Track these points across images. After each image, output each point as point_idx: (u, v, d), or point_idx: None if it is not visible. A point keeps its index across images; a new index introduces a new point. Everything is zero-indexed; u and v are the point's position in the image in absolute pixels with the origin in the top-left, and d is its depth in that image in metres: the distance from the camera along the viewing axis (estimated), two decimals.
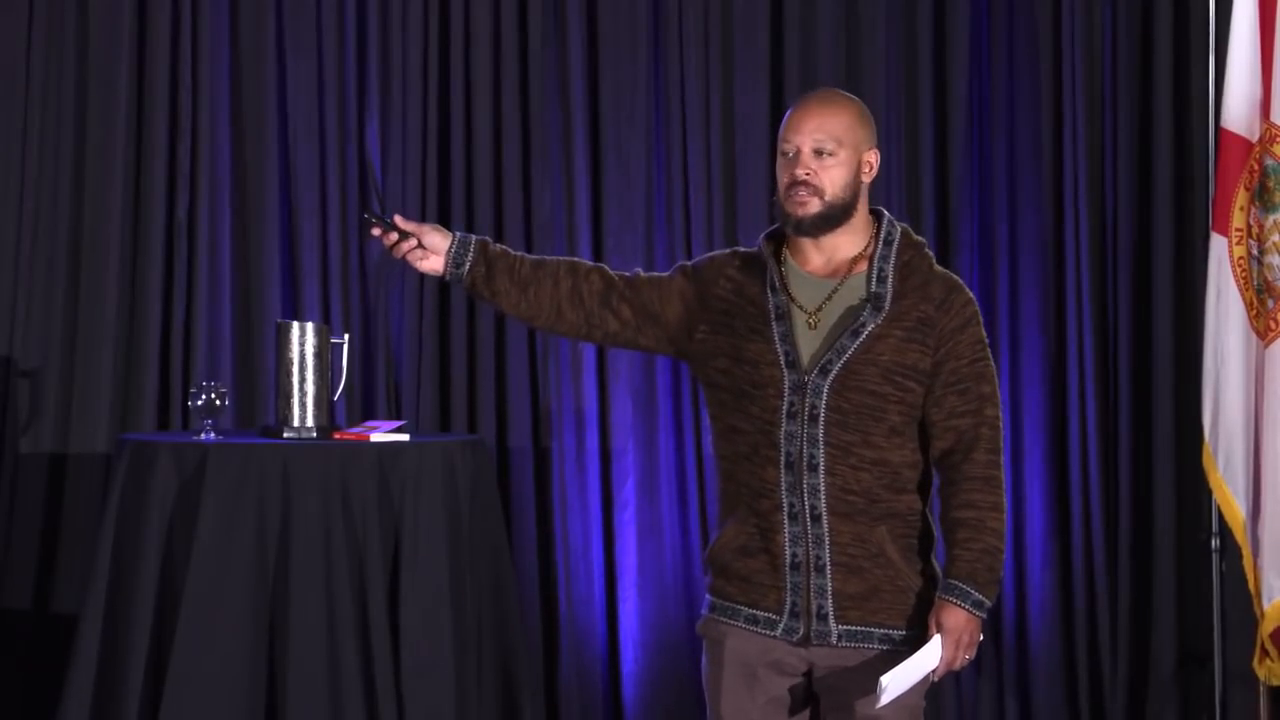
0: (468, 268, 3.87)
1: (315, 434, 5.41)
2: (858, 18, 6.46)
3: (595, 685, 6.26)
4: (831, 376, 3.76)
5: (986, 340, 3.85)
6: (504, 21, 6.31)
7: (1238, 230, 5.76)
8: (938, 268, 3.87)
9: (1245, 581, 5.81)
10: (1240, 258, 5.77)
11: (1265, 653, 5.73)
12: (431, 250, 3.87)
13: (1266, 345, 5.70)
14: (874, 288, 3.80)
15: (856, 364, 3.76)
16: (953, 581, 3.77)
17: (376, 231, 3.86)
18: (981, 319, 3.85)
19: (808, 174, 3.80)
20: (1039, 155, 6.47)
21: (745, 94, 6.39)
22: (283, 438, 5.37)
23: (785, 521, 3.79)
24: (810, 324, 3.81)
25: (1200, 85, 6.28)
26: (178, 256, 6.15)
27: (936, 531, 3.89)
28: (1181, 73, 6.43)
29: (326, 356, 5.49)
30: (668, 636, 6.28)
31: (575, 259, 3.96)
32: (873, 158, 3.86)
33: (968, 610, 3.76)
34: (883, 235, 3.85)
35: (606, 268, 3.95)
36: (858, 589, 3.79)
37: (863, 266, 3.84)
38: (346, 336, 5.69)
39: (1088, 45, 6.46)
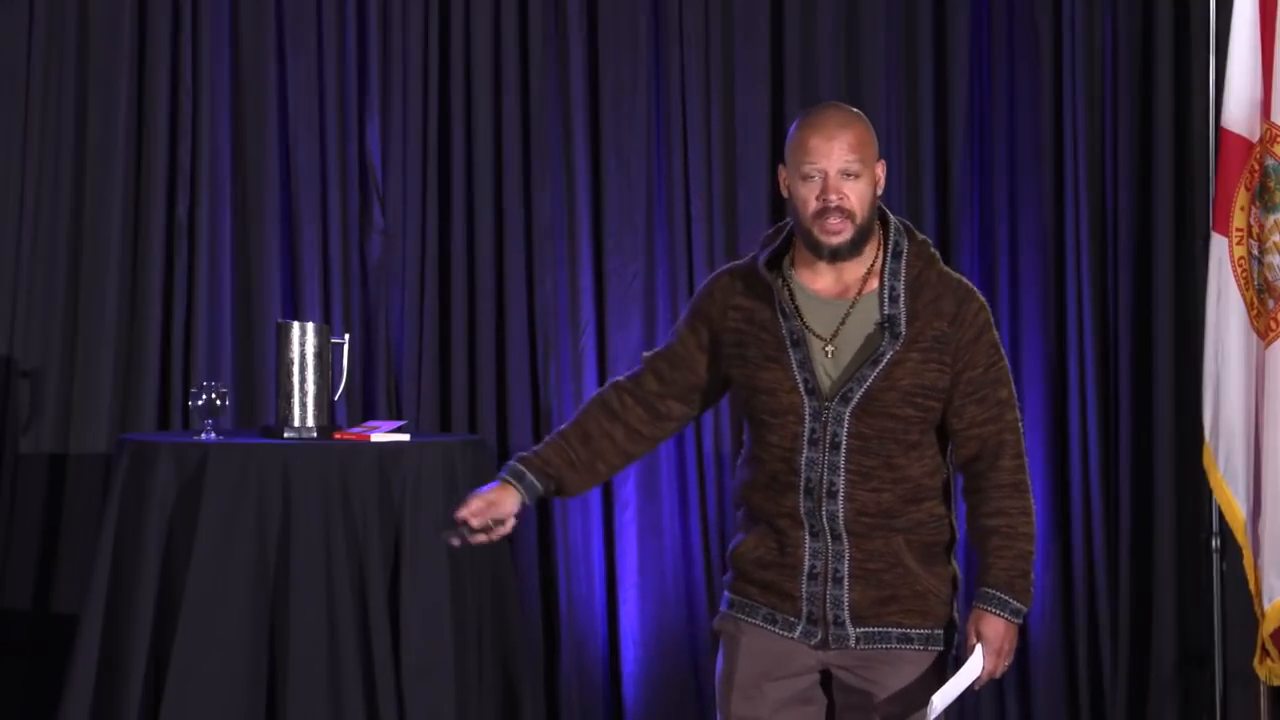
0: (542, 493, 3.87)
1: (315, 434, 5.41)
2: (858, 18, 6.46)
3: (595, 685, 6.26)
4: (853, 404, 3.73)
5: (999, 342, 3.82)
6: (504, 21, 6.31)
7: (1238, 230, 5.76)
8: (945, 272, 3.82)
9: (1245, 581, 5.80)
10: (1241, 258, 5.76)
11: (1265, 653, 5.73)
12: (509, 514, 3.84)
13: (1267, 345, 5.70)
14: (887, 310, 3.75)
15: (877, 391, 3.73)
16: (990, 590, 3.77)
17: (456, 542, 3.85)
18: (993, 321, 3.82)
19: (841, 199, 3.74)
20: (1039, 155, 6.46)
21: (745, 94, 6.39)
22: (283, 438, 5.37)
23: (806, 538, 3.79)
24: (827, 351, 3.77)
25: (1200, 85, 6.28)
26: (178, 256, 6.15)
27: (960, 532, 3.88)
28: (1181, 73, 6.42)
29: (327, 356, 5.49)
30: (668, 636, 6.27)
31: (603, 398, 3.93)
32: (882, 170, 3.81)
33: (1006, 619, 3.77)
34: (890, 246, 3.80)
35: (627, 384, 3.92)
36: (875, 596, 3.79)
37: (873, 284, 3.79)
38: (347, 336, 5.70)
39: (1088, 45, 6.45)
